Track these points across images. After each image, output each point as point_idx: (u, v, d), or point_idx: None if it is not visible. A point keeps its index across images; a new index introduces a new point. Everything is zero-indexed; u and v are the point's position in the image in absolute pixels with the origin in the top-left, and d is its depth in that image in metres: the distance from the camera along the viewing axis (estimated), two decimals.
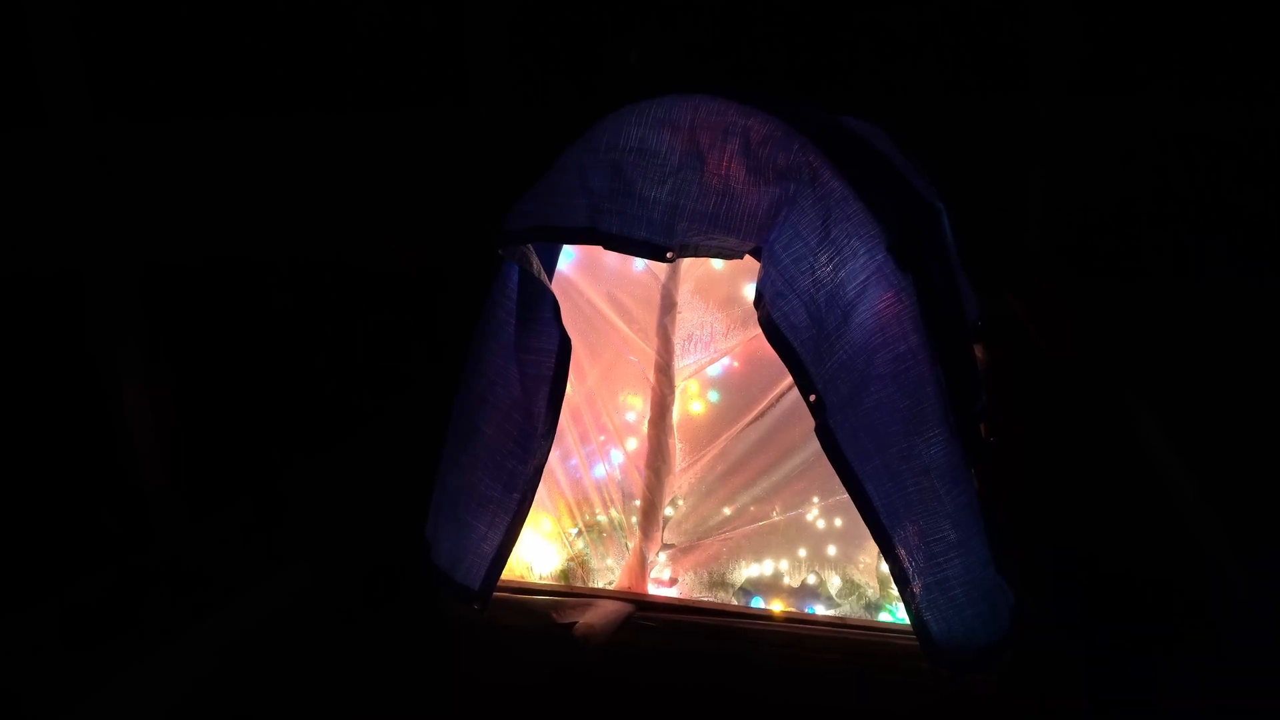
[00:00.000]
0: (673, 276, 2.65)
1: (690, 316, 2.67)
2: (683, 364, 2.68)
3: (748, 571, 2.74)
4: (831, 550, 2.75)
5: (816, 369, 2.35)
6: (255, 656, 2.75)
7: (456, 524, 2.72)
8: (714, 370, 2.79)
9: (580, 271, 2.72)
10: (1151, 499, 3.58)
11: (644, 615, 2.61)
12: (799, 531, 2.75)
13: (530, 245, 2.48)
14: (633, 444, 2.88)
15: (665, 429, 2.68)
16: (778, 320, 2.33)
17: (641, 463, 2.78)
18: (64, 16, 3.86)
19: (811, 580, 2.75)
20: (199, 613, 2.82)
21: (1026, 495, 3.36)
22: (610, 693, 2.53)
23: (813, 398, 2.35)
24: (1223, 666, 2.75)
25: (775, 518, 2.72)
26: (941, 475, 2.38)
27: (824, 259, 2.34)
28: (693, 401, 2.82)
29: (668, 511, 2.79)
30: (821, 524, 2.76)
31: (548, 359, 2.59)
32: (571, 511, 2.84)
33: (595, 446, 2.90)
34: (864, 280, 2.36)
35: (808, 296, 2.33)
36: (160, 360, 3.89)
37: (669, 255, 2.44)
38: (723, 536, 2.75)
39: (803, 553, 2.75)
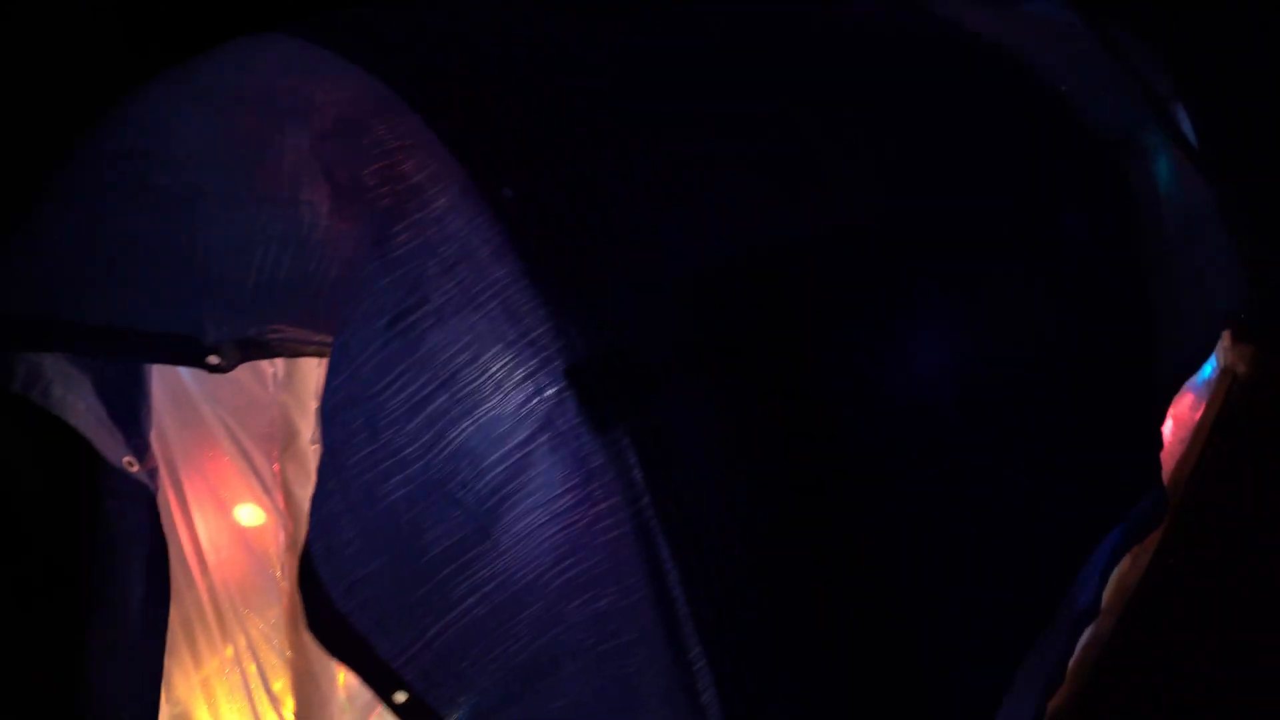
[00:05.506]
0: (288, 386, 1.44)
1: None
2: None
3: None
4: None
5: (398, 638, 1.07)
6: None
7: None
8: None
9: (197, 380, 1.56)
10: None
11: None
12: None
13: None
14: None
15: (308, 663, 1.49)
16: (310, 535, 1.08)
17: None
18: None
19: None
20: None
21: None
22: None
23: (399, 697, 1.08)
24: None
25: None
26: None
27: (396, 400, 1.03)
28: None
29: None
30: None
31: (139, 506, 1.53)
32: None
33: None
34: (521, 446, 1.04)
35: (361, 487, 1.05)
36: None
37: (212, 361, 1.25)
38: None
39: None
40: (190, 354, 1.23)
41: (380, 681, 1.07)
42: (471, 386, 1.02)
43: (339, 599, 1.04)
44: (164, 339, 1.23)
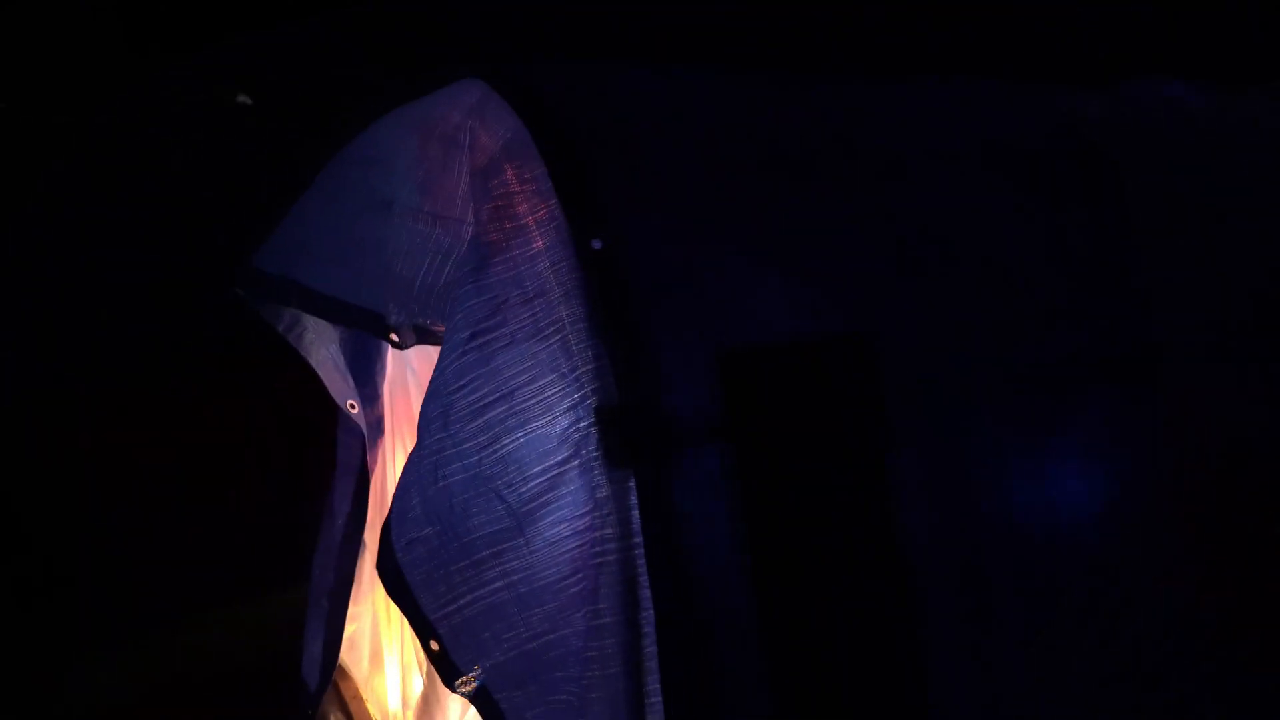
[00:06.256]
0: None
1: None
2: None
3: None
4: None
5: (436, 597, 1.25)
6: None
7: (308, 616, 2.17)
8: None
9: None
10: None
11: None
12: None
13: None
14: None
15: None
16: (394, 500, 1.29)
17: None
18: None
19: None
20: None
21: None
22: None
23: (433, 645, 1.27)
24: None
25: None
26: None
27: (464, 401, 1.21)
28: None
29: None
30: None
31: (356, 441, 1.86)
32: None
33: None
34: (559, 464, 1.18)
35: (430, 466, 1.24)
36: None
37: (393, 339, 1.51)
38: None
39: None
40: (378, 329, 1.51)
41: (421, 628, 1.27)
42: (527, 405, 1.18)
43: (399, 551, 1.25)
44: (360, 312, 1.52)
